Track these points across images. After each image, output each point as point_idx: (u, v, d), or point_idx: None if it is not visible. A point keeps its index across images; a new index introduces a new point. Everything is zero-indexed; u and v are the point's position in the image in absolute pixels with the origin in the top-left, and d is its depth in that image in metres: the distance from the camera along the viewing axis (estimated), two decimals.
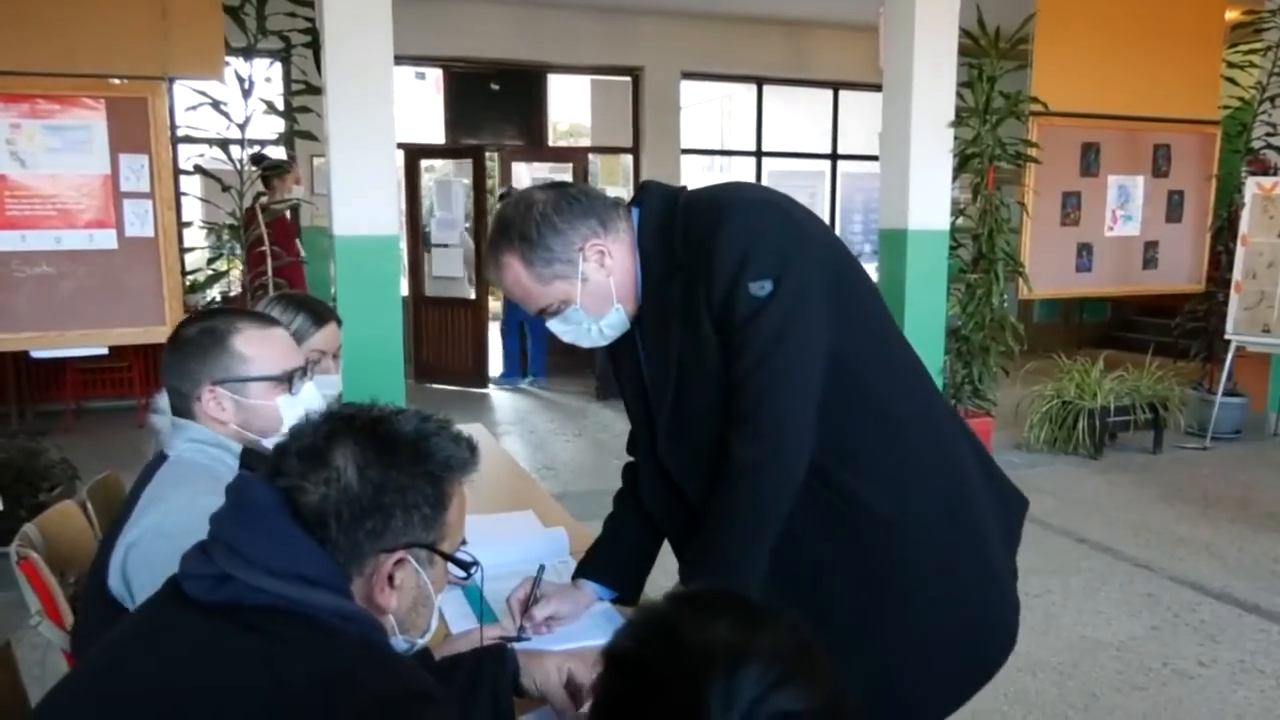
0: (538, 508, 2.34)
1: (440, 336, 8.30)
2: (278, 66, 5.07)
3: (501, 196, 1.61)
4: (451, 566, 1.09)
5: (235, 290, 5.23)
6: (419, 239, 8.27)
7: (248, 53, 4.62)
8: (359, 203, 4.21)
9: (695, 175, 10.62)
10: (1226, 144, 6.38)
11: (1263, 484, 5.38)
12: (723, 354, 1.45)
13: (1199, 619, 3.64)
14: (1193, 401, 6.30)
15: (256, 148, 4.88)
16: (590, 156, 9.02)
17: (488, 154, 8.37)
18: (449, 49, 8.12)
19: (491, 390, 8.10)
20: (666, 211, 1.51)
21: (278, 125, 4.96)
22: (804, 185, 9.54)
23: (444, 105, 8.46)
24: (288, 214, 5.63)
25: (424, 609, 1.08)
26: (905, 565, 1.48)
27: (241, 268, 4.92)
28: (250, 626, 0.91)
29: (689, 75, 8.80)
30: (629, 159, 8.98)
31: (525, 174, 8.56)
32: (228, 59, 4.57)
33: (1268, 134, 6.16)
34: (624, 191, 9.05)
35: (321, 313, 2.11)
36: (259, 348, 1.50)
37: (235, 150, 4.70)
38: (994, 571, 1.58)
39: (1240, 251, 6.05)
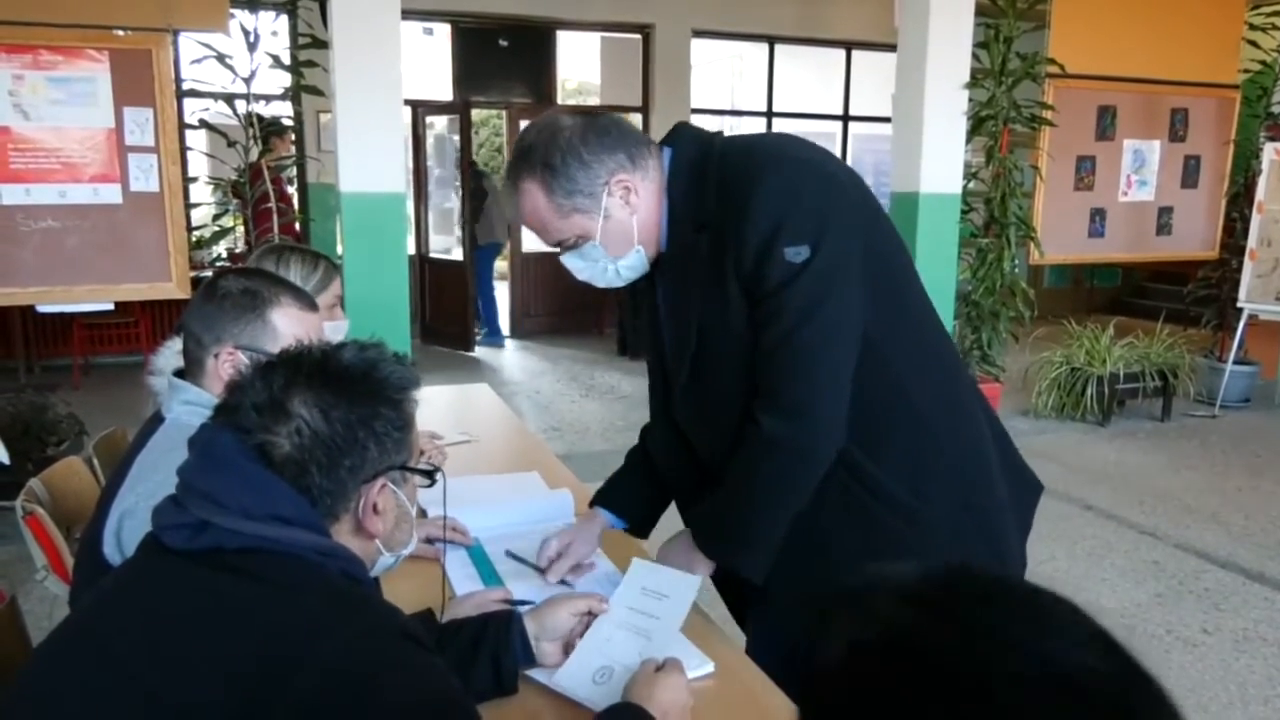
0: (544, 469, 2.33)
1: (439, 297, 8.23)
2: (284, 20, 5.01)
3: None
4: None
5: (241, 247, 5.19)
6: (423, 197, 8.20)
7: (253, 5, 4.55)
8: (366, 159, 4.16)
9: None
10: (1246, 109, 6.27)
11: (1271, 452, 5.36)
12: (749, 318, 1.39)
13: (1203, 587, 3.64)
14: (1202, 369, 6.26)
15: (262, 102, 4.83)
16: None
17: (492, 111, 8.25)
18: (458, 4, 7.99)
19: (478, 351, 8.01)
20: (700, 158, 1.44)
21: (284, 80, 4.90)
22: None
23: (451, 61, 8.34)
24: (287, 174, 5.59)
25: (405, 524, 1.11)
26: (917, 555, 1.45)
27: (246, 224, 4.88)
28: (235, 569, 0.92)
29: (700, 34, 8.66)
30: (639, 118, 8.86)
31: None
32: (233, 11, 4.51)
33: None
34: None
35: (333, 263, 2.12)
36: (293, 326, 1.46)
37: (240, 105, 4.65)
38: (1007, 565, 1.54)
39: (1256, 218, 5.97)
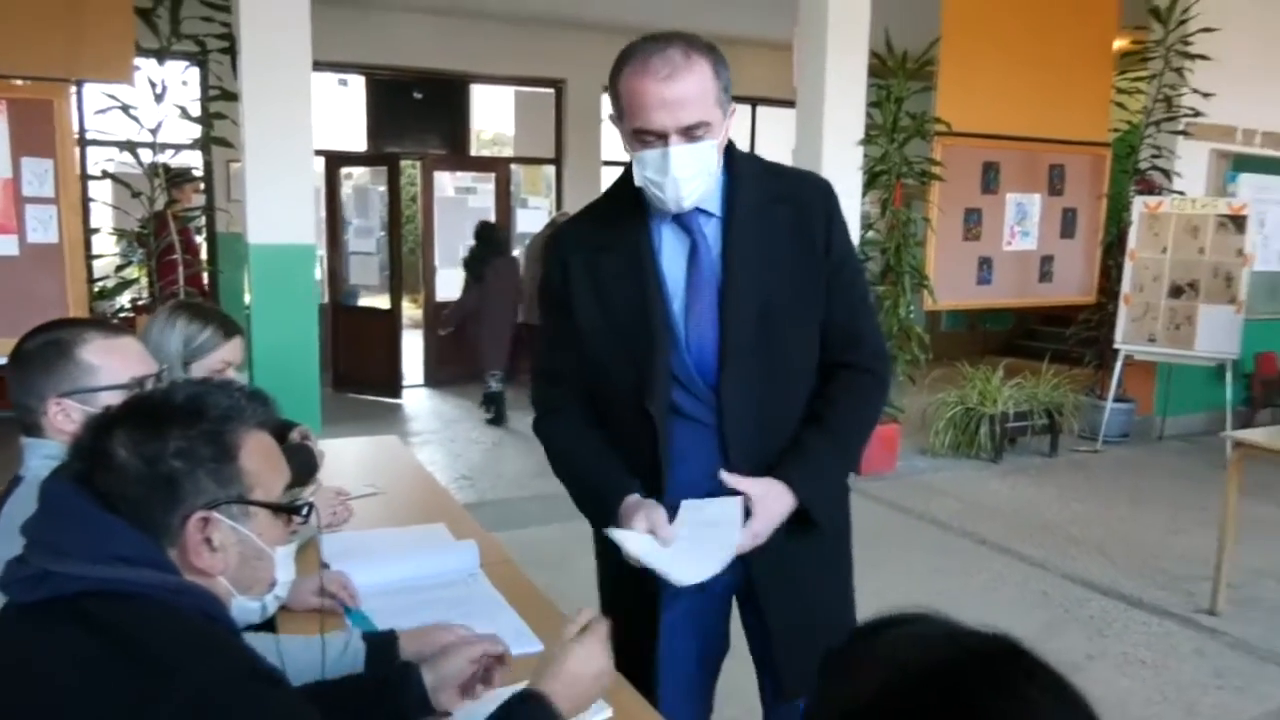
0: (451, 519, 2.31)
1: (357, 345, 8.13)
2: (195, 71, 4.93)
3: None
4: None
5: (145, 298, 5.04)
6: (338, 247, 8.11)
7: (160, 56, 4.48)
8: (275, 210, 4.11)
9: None
10: (1116, 165, 6.67)
11: (1149, 485, 5.63)
12: (824, 285, 1.57)
13: (1088, 614, 3.80)
14: (1085, 407, 6.56)
15: (170, 152, 4.73)
16: (513, 166, 8.97)
17: (408, 162, 8.25)
18: (371, 56, 8.00)
19: (405, 399, 7.94)
20: (746, 152, 1.64)
21: (193, 130, 4.82)
22: None
23: (366, 113, 8.31)
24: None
25: (258, 562, 1.06)
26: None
27: (150, 275, 4.75)
28: (80, 617, 0.90)
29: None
30: (552, 169, 8.96)
31: (448, 182, 8.48)
32: (139, 63, 4.42)
33: (1153, 156, 6.46)
34: (547, 202, 9.03)
35: (229, 325, 2.06)
36: (107, 357, 1.46)
37: (146, 154, 4.55)
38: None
39: (1128, 266, 6.33)
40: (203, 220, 6.65)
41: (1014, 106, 5.93)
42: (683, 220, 1.53)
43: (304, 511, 1.10)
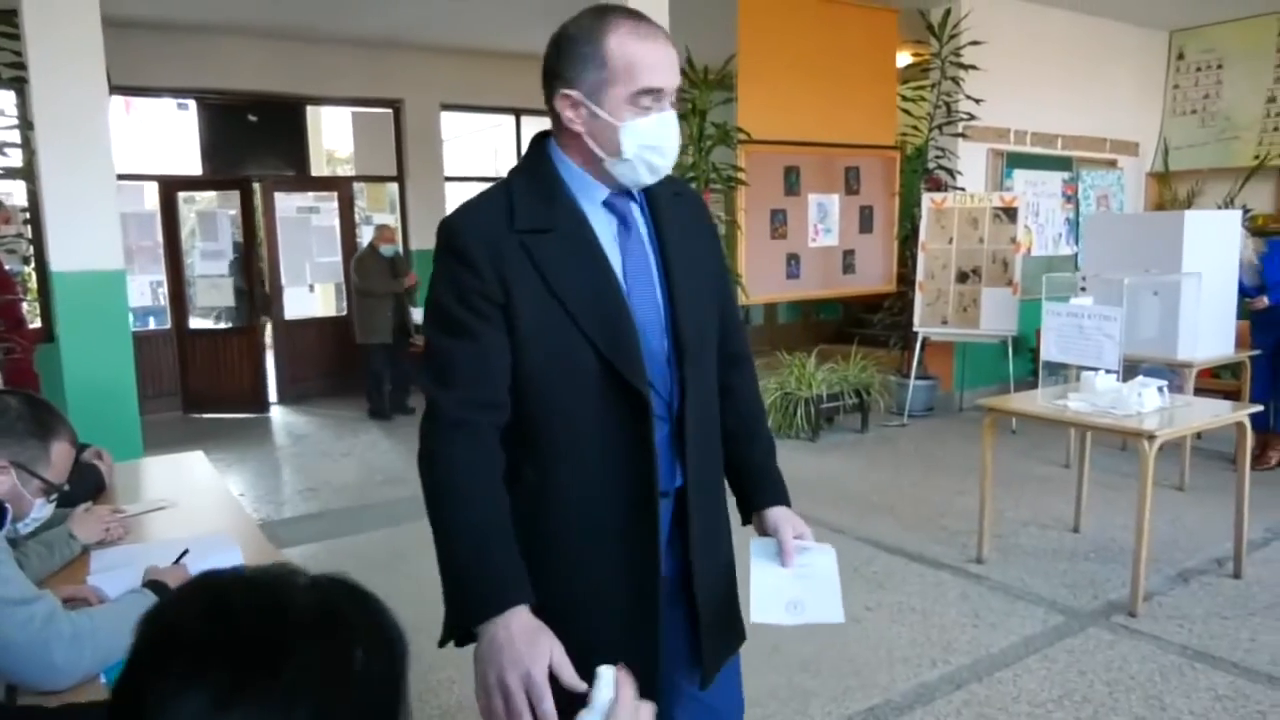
0: (234, 528, 2.32)
1: (212, 366, 7.89)
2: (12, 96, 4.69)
3: None
4: None
5: None
6: (180, 272, 7.82)
7: None
8: (78, 237, 3.97)
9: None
10: (907, 165, 7.12)
11: (945, 451, 6.04)
12: (723, 271, 1.58)
13: (873, 570, 4.07)
14: (893, 386, 6.97)
15: None
16: (355, 185, 8.83)
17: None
18: (203, 81, 7.73)
19: (273, 413, 7.81)
20: None
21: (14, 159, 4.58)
22: None
23: (200, 137, 8.03)
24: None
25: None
26: None
27: None
28: None
29: (448, 107, 8.81)
30: (395, 187, 8.86)
31: (290, 204, 8.28)
32: None
33: (938, 156, 6.92)
34: (392, 219, 8.93)
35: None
36: None
37: None
38: None
39: (921, 256, 6.77)
40: (29, 250, 6.36)
41: (809, 114, 6.26)
42: (609, 202, 1.40)
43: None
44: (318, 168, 9.25)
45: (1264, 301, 5.32)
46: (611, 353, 1.32)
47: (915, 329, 6.76)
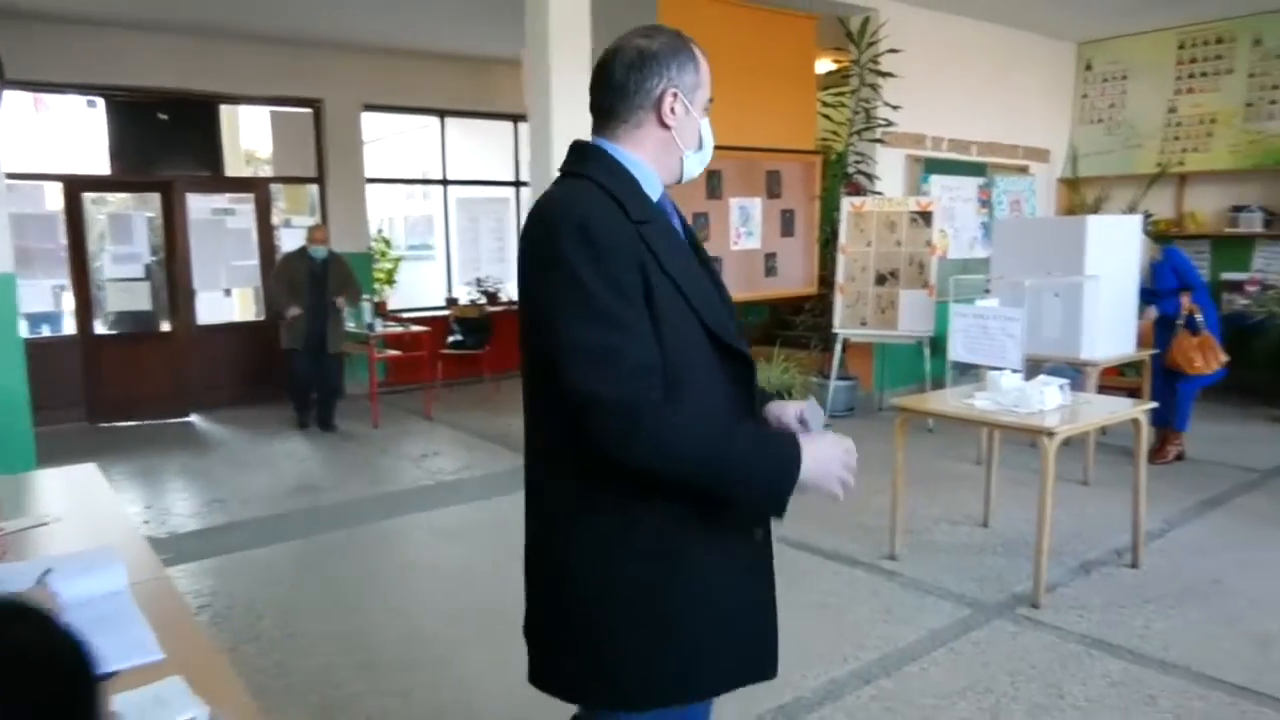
0: (121, 542, 2.22)
1: (125, 372, 7.60)
2: None
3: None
4: None
5: None
6: (85, 275, 7.52)
7: None
8: None
9: (395, 203, 10.44)
10: (828, 170, 7.23)
11: (864, 452, 5.97)
12: None
13: (796, 569, 4.11)
14: (814, 387, 7.06)
15: None
16: (273, 187, 8.61)
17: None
18: (111, 77, 7.46)
19: (195, 419, 7.59)
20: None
21: None
22: (491, 211, 9.68)
23: (108, 136, 7.74)
24: None
25: None
26: None
27: None
28: None
29: (370, 107, 8.65)
30: (315, 188, 8.67)
31: (204, 205, 8.04)
32: None
33: (857, 161, 7.05)
34: (312, 221, 8.73)
35: None
36: None
37: None
38: None
39: (841, 259, 6.88)
40: None
41: (730, 119, 6.29)
42: (661, 197, 1.58)
43: None
44: (236, 168, 8.98)
45: (1153, 314, 5.54)
46: (714, 324, 1.50)
47: (835, 330, 6.87)
